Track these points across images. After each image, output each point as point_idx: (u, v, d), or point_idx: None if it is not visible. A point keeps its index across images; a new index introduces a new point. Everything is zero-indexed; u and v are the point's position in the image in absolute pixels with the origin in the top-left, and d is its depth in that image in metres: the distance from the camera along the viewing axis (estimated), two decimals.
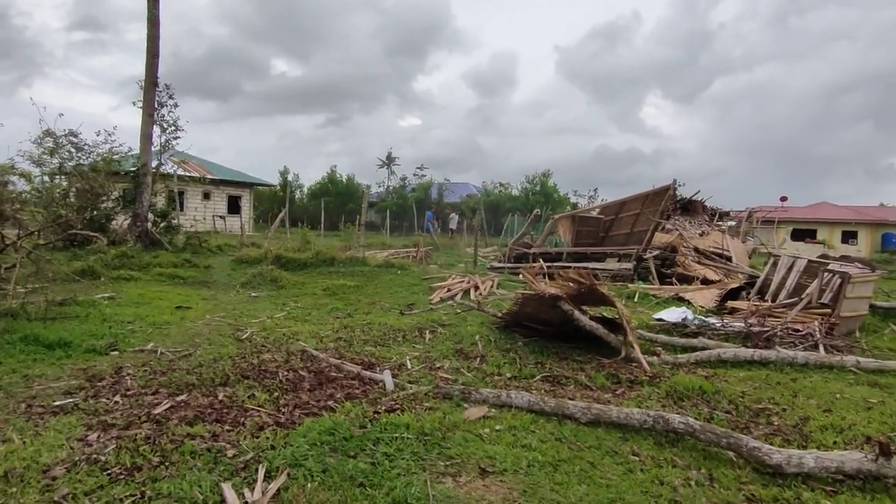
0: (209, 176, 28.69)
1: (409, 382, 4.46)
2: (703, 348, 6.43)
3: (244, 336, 6.20)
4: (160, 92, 13.98)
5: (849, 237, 37.76)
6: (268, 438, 3.14)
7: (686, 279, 12.41)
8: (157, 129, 14.23)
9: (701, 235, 14.51)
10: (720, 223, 15.22)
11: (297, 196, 51.94)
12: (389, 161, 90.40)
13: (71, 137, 12.76)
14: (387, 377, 4.32)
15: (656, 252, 12.97)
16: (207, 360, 5.05)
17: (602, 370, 5.42)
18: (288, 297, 9.20)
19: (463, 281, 10.19)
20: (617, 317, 6.89)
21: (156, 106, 13.83)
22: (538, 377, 5.04)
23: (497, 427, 3.46)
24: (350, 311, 8.27)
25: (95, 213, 12.61)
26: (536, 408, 3.92)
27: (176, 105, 14.41)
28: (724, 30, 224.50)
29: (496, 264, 13.06)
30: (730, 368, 5.81)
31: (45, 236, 11.21)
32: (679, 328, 7.58)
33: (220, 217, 32.39)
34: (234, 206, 35.59)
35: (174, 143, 14.72)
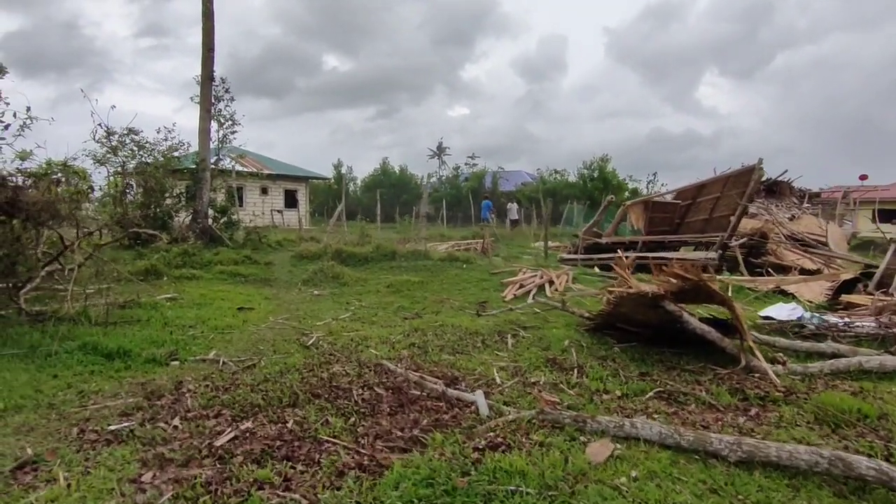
0: (266, 171, 28.98)
1: (505, 404, 3.79)
2: (836, 355, 5.45)
3: (310, 342, 5.69)
4: (216, 86, 13.83)
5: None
6: (351, 490, 2.54)
7: (779, 269, 11.20)
8: (214, 125, 14.11)
9: (791, 219, 13.12)
10: (809, 205, 13.74)
11: (350, 189, 52.33)
12: (440, 151, 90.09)
13: (132, 136, 12.77)
14: (479, 399, 3.65)
15: (743, 239, 11.76)
16: (273, 373, 4.55)
17: (722, 383, 4.59)
18: (351, 294, 8.72)
19: (535, 275, 9.43)
20: (728, 317, 6.00)
21: (212, 101, 13.69)
22: (650, 394, 4.26)
23: (633, 474, 2.73)
24: (418, 310, 7.69)
25: (158, 210, 12.57)
26: (670, 442, 3.16)
27: (232, 99, 14.26)
28: (787, 1, 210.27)
29: (567, 256, 12.20)
30: (877, 381, 4.83)
31: (111, 234, 11.26)
32: (794, 328, 6.58)
33: (278, 211, 32.70)
34: (290, 201, 35.96)
35: (231, 137, 14.58)
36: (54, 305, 6.39)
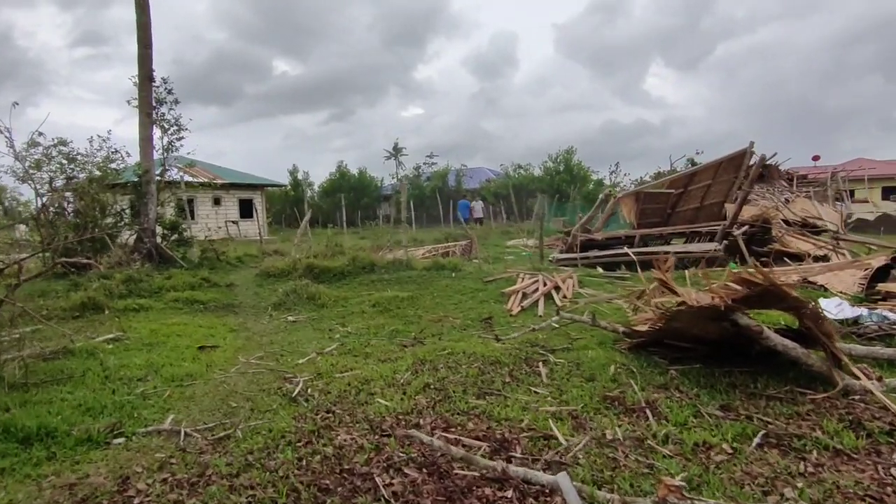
0: (219, 181, 27.09)
1: (595, 484, 2.73)
2: None
3: (296, 391, 4.49)
4: (157, 87, 12.25)
5: (890, 193, 35.49)
6: None
7: (785, 257, 10.57)
8: (157, 131, 12.53)
9: (786, 203, 12.58)
10: (801, 188, 13.27)
11: (307, 194, 50.45)
12: (396, 152, 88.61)
13: (61, 147, 11.09)
14: (564, 483, 2.57)
15: (744, 227, 11.09)
16: (256, 450, 3.35)
17: (828, 414, 3.68)
18: (333, 318, 7.50)
19: (536, 281, 8.43)
20: (791, 323, 5.12)
21: (153, 104, 12.11)
22: (756, 440, 3.29)
23: None
24: (415, 333, 6.57)
25: (96, 230, 10.96)
26: None
27: (176, 102, 12.67)
28: None
29: (561, 255, 11.27)
30: None
31: (43, 262, 9.65)
32: (849, 328, 5.80)
33: (233, 222, 30.80)
34: (246, 210, 34.07)
35: (178, 144, 13.00)
36: None
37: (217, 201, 31.70)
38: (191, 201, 25.19)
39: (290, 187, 46.41)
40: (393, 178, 55.62)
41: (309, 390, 4.55)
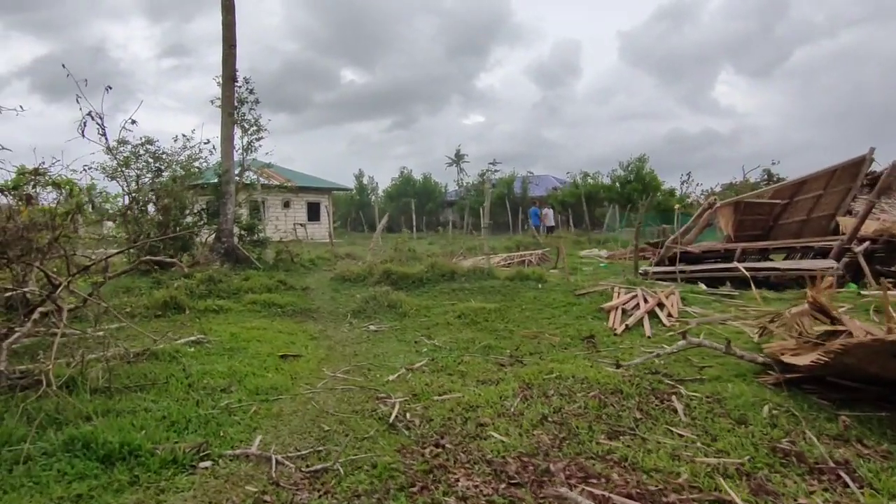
0: (291, 183, 27.54)
1: None
2: None
3: (393, 415, 3.98)
4: (239, 87, 12.29)
5: None
6: None
7: None
8: (237, 131, 12.55)
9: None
10: None
11: (372, 199, 51.06)
12: (458, 159, 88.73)
13: (147, 146, 11.25)
14: None
15: (865, 244, 9.79)
16: (363, 492, 2.84)
17: None
18: (416, 329, 7.01)
19: (635, 296, 7.63)
20: None
21: (235, 103, 12.14)
22: None
23: None
24: (511, 350, 5.95)
25: (178, 229, 11.02)
26: None
27: (257, 101, 12.65)
28: None
29: (656, 269, 10.36)
30: None
31: (128, 259, 9.72)
32: None
33: (301, 225, 31.26)
34: (313, 213, 34.63)
35: (257, 145, 13.00)
36: (44, 364, 4.77)
37: (287, 204, 32.33)
38: (262, 203, 25.74)
39: (355, 192, 47.05)
40: (456, 184, 55.49)
41: (408, 415, 4.02)
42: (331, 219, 35.20)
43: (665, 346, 5.69)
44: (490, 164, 45.94)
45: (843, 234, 10.74)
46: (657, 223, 31.86)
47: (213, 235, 11.92)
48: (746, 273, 8.29)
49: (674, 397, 4.21)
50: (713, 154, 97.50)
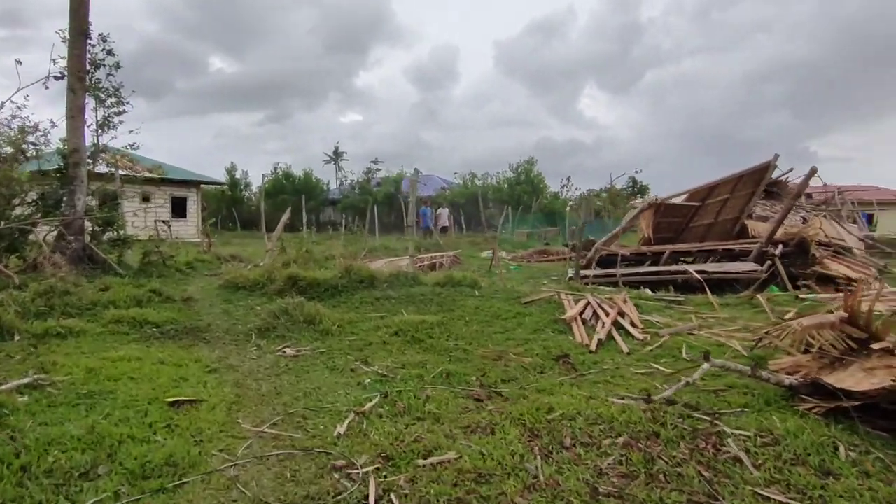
0: (148, 173, 23.83)
1: None
2: None
3: (370, 500, 2.65)
4: (93, 46, 9.76)
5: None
6: None
7: (825, 281, 9.62)
8: (90, 102, 10.00)
9: (804, 222, 11.77)
10: (819, 207, 12.55)
11: (246, 195, 47.20)
12: (337, 156, 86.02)
13: None
14: None
15: (779, 247, 10.05)
16: None
17: None
18: (347, 351, 5.57)
19: (588, 304, 6.86)
20: None
21: (87, 66, 9.62)
22: None
23: None
24: (478, 377, 4.80)
25: (2, 224, 8.38)
26: None
27: (118, 66, 10.15)
28: (654, 24, 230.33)
29: (589, 272, 9.77)
30: None
31: None
32: None
33: (164, 222, 27.52)
34: (178, 209, 30.77)
35: (117, 120, 10.47)
36: None
37: (146, 198, 28.22)
38: (114, 198, 22.09)
39: (227, 186, 42.96)
40: (338, 181, 53.09)
41: (393, 498, 2.71)
42: (200, 216, 31.63)
43: (672, 371, 4.89)
44: (372, 162, 44.34)
45: (754, 236, 11.02)
46: (544, 224, 32.65)
47: (56, 232, 9.30)
48: (698, 276, 7.95)
49: (729, 441, 3.32)
50: (580, 162, 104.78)
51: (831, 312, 4.28)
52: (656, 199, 11.40)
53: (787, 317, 7.04)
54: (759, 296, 7.53)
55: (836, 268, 9.70)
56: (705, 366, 3.97)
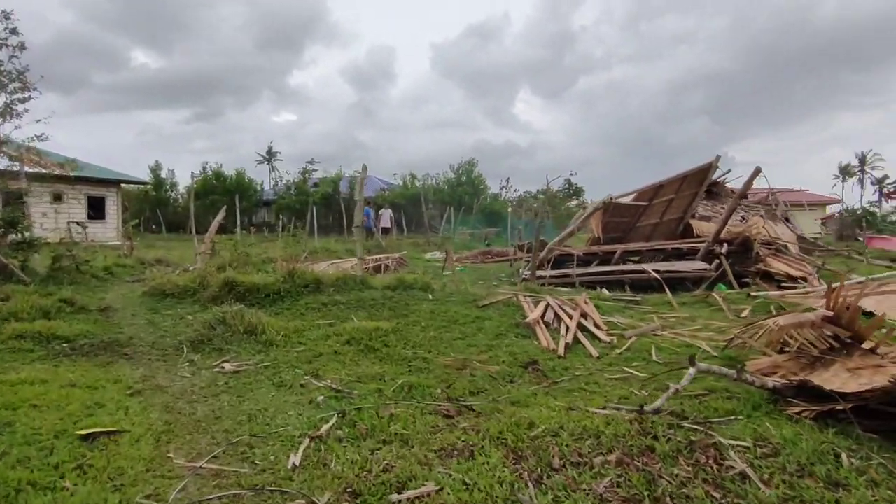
0: (59, 171, 21.76)
1: None
2: None
3: None
4: None
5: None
6: None
7: (768, 279, 9.88)
8: None
9: (742, 221, 12.12)
10: (756, 208, 12.97)
11: (171, 196, 44.63)
12: (271, 156, 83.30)
13: None
14: None
15: (724, 246, 10.23)
16: None
17: None
18: (294, 363, 4.99)
19: (548, 306, 6.59)
20: None
21: None
22: None
23: None
24: (443, 388, 4.37)
25: None
26: None
27: (22, 46, 8.96)
28: (586, 32, 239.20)
29: (542, 272, 9.52)
30: None
31: None
32: None
33: (78, 223, 25.36)
34: (96, 210, 28.45)
35: (21, 109, 9.27)
36: None
37: (58, 197, 25.94)
38: (19, 196, 20.13)
39: (152, 186, 40.36)
40: (273, 181, 51.13)
41: None
42: (120, 217, 29.46)
43: (647, 375, 4.64)
44: (308, 162, 43.01)
45: (699, 235, 11.20)
46: (484, 225, 32.65)
47: None
48: (657, 276, 7.87)
49: (730, 453, 3.06)
50: (515, 164, 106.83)
51: (810, 311, 4.16)
52: (611, 198, 11.42)
53: (743, 314, 7.07)
54: (714, 294, 7.54)
55: (778, 266, 9.97)
56: (691, 371, 3.73)
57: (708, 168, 11.55)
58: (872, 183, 70.73)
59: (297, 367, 4.91)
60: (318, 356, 5.23)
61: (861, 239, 25.09)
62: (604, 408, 3.84)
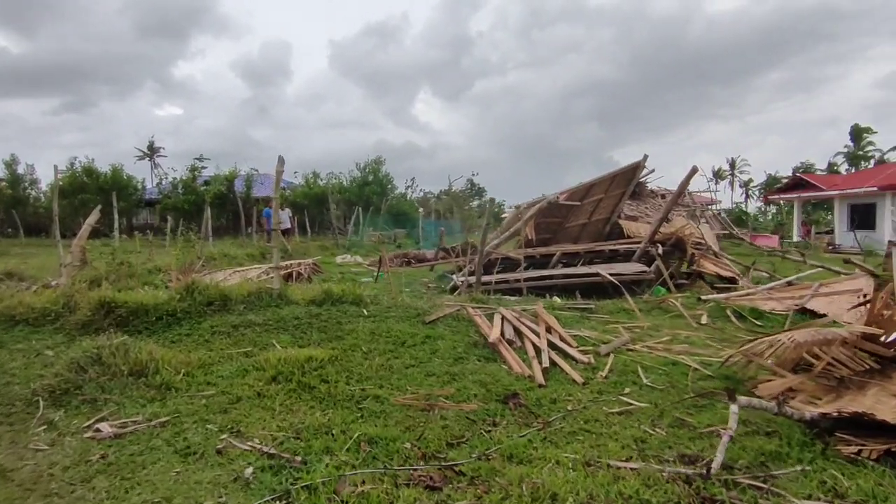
0: None
1: None
2: None
3: None
4: None
5: None
6: None
7: (700, 279, 9.82)
8: None
9: (667, 222, 12.13)
10: (677, 209, 13.09)
11: (32, 195, 39.20)
12: (153, 152, 76.65)
13: None
14: None
15: (659, 247, 10.03)
16: None
17: None
18: (202, 415, 3.72)
19: (503, 319, 5.77)
20: None
21: None
22: None
23: None
24: (413, 441, 3.36)
25: None
26: None
27: None
28: (482, 37, 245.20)
29: (464, 279, 8.62)
30: None
31: None
32: None
33: None
34: None
35: None
36: None
37: None
38: None
39: (6, 183, 34.97)
40: (157, 180, 46.46)
41: None
42: None
43: (651, 405, 3.90)
44: (197, 159, 39.23)
45: (629, 236, 10.98)
46: (391, 226, 31.57)
47: None
48: (614, 280, 7.31)
49: None
50: (416, 165, 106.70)
51: (836, 325, 3.64)
52: (557, 197, 10.90)
53: (703, 320, 6.69)
54: (671, 300, 7.15)
55: (710, 267, 9.92)
56: (733, 408, 3.02)
57: (636, 168, 11.42)
58: (741, 185, 78.20)
59: (209, 420, 3.66)
60: (235, 402, 3.99)
61: (745, 238, 26.98)
62: (629, 459, 3.04)
